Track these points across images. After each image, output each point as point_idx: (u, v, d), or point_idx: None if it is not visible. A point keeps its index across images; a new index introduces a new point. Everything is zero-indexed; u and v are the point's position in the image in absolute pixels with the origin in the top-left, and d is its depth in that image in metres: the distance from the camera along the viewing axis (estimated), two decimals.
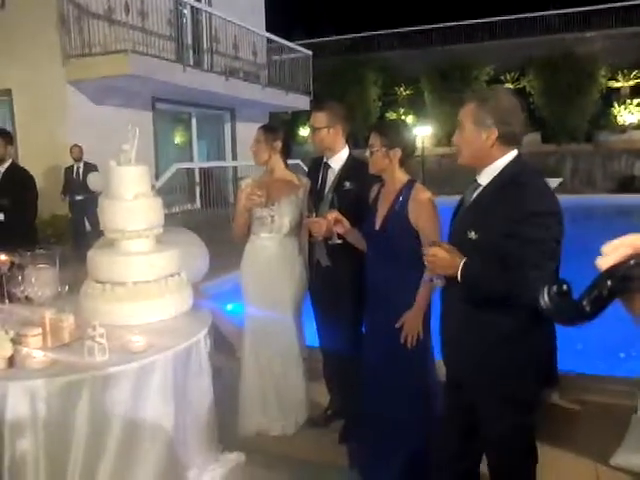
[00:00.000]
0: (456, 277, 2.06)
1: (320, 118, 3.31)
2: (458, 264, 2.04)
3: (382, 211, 2.88)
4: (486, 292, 2.06)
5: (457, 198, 2.36)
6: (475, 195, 2.18)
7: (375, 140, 2.85)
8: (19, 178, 4.63)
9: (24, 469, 2.26)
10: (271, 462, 3.17)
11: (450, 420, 2.42)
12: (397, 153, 2.81)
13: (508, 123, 2.09)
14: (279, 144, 3.48)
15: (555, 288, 1.26)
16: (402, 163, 2.85)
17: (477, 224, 2.08)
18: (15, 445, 2.25)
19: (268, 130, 3.48)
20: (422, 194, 2.79)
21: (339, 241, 3.05)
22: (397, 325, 2.77)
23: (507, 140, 2.11)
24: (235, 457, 3.12)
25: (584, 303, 1.15)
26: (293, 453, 3.29)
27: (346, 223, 3.02)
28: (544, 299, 1.28)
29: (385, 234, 2.84)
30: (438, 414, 2.93)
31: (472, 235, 2.06)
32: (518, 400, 2.15)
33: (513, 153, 2.13)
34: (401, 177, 2.86)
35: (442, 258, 2.08)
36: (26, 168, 4.91)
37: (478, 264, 2.04)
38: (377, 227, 2.87)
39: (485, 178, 2.15)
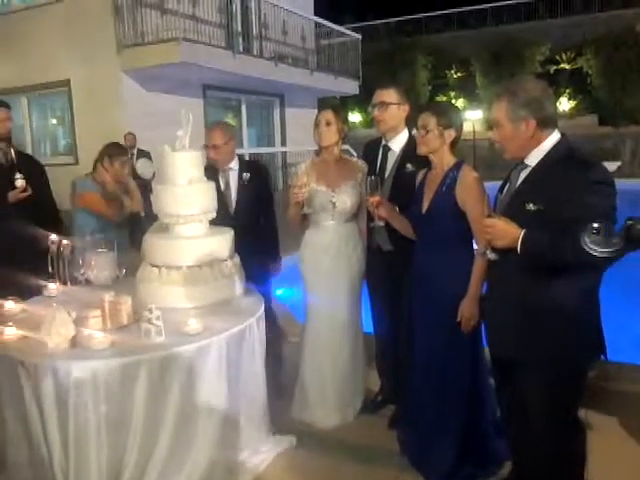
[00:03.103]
0: (513, 248, 2.10)
1: (391, 94, 3.25)
2: (517, 234, 2.09)
3: (429, 194, 2.85)
4: (548, 260, 2.08)
5: None
6: (525, 174, 2.24)
7: (430, 120, 2.80)
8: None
9: (87, 441, 2.36)
10: (321, 446, 3.20)
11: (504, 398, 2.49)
12: (451, 134, 2.80)
13: (542, 108, 2.17)
14: (346, 128, 3.45)
15: (591, 228, 1.71)
16: (453, 145, 2.83)
17: (536, 196, 2.12)
18: (79, 419, 2.34)
19: (338, 113, 3.42)
20: (470, 175, 2.76)
21: (381, 224, 3.04)
22: (458, 319, 2.74)
23: (546, 124, 2.18)
24: (287, 440, 3.17)
25: (615, 240, 1.68)
26: (344, 437, 3.31)
27: (388, 206, 2.99)
28: (584, 239, 1.71)
29: (431, 217, 2.82)
30: (486, 398, 2.92)
31: (530, 207, 2.11)
32: (569, 370, 2.19)
33: (556, 134, 2.21)
34: (449, 159, 2.84)
35: (501, 229, 2.12)
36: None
37: (539, 233, 2.07)
38: (424, 211, 2.85)
39: (533, 159, 2.21)
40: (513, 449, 2.60)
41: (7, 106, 3.97)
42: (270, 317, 3.76)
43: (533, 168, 2.21)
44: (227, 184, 3.72)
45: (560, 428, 2.24)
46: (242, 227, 3.47)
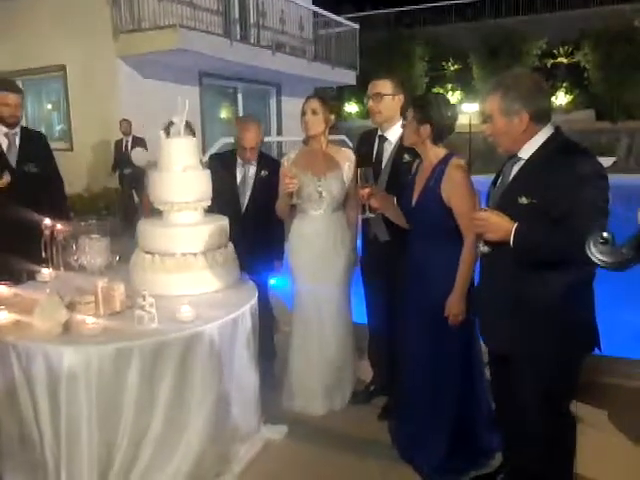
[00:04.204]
0: (505, 242, 2.09)
1: (386, 85, 3.25)
2: (510, 227, 2.08)
3: (419, 186, 2.83)
4: (541, 253, 2.08)
5: None
6: (518, 167, 2.22)
7: (409, 113, 2.81)
8: (38, 140, 4.02)
9: (79, 426, 2.36)
10: (312, 435, 3.22)
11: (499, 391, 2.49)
12: (426, 129, 2.75)
13: (536, 102, 2.15)
14: (332, 117, 3.44)
15: (598, 237, 1.63)
16: (435, 139, 2.78)
17: (529, 190, 2.11)
18: (71, 405, 2.34)
19: (324, 101, 3.41)
20: (456, 172, 2.71)
21: (372, 215, 3.02)
22: (446, 314, 2.73)
23: (539, 118, 2.16)
24: (278, 429, 3.19)
25: (624, 251, 1.58)
26: (335, 427, 3.32)
27: (382, 197, 2.97)
28: (589, 248, 1.65)
29: (420, 210, 2.81)
30: (480, 392, 2.93)
31: (523, 200, 2.10)
32: (563, 364, 2.19)
33: (550, 128, 2.19)
34: (437, 152, 2.80)
35: (493, 222, 2.12)
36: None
37: (532, 226, 2.07)
38: (413, 203, 2.84)
39: (526, 152, 2.20)
40: (505, 441, 2.61)
41: (20, 91, 3.73)
42: (267, 309, 3.76)
43: (526, 161, 2.20)
44: (244, 178, 3.71)
45: (553, 422, 2.25)
46: (252, 222, 3.56)
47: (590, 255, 1.64)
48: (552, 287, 2.13)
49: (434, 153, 2.79)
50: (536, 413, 2.24)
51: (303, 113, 3.37)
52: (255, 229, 3.57)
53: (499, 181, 2.33)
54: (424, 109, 2.76)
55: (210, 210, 3.21)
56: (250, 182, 3.70)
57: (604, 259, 1.62)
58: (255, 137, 3.60)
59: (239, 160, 3.69)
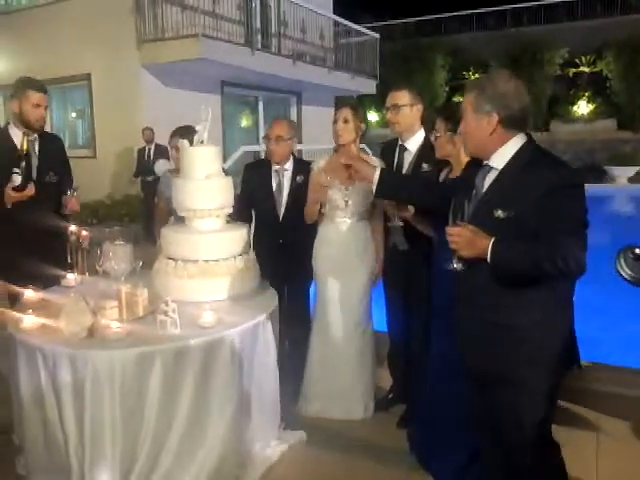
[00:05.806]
0: (482, 259, 2.00)
1: (403, 96, 3.28)
2: (486, 244, 1.99)
3: None
4: (520, 269, 1.99)
5: None
6: (491, 178, 2.14)
7: (440, 125, 2.81)
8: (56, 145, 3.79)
9: (102, 428, 2.39)
10: (331, 442, 3.22)
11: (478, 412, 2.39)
12: (461, 138, 2.76)
13: (508, 106, 2.06)
14: (363, 126, 3.44)
15: (629, 252, 1.49)
16: None
17: (504, 203, 2.02)
18: (95, 407, 2.38)
19: (356, 110, 3.42)
20: None
21: (400, 224, 3.03)
22: None
23: (510, 124, 2.08)
24: (297, 435, 3.20)
25: None
26: (353, 434, 3.32)
27: (410, 207, 2.98)
28: (621, 264, 1.65)
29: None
30: None
31: (499, 214, 2.01)
32: (544, 386, 2.10)
33: (522, 137, 2.11)
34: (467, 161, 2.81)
35: (468, 238, 2.02)
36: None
37: (510, 242, 1.98)
38: None
39: (498, 161, 2.11)
40: (483, 460, 2.52)
41: (47, 91, 3.53)
42: (307, 317, 3.73)
43: (500, 172, 2.11)
44: (279, 185, 3.70)
45: (532, 442, 2.15)
46: (289, 230, 3.56)
47: (619, 269, 1.62)
48: (530, 306, 2.04)
49: (464, 163, 2.80)
50: (515, 433, 2.15)
51: (335, 121, 3.38)
52: (293, 236, 3.57)
53: (473, 193, 2.19)
54: (456, 119, 2.78)
55: (248, 218, 3.22)
56: (286, 189, 3.68)
57: (633, 274, 1.58)
58: (282, 129, 3.57)
59: (274, 167, 3.69)
